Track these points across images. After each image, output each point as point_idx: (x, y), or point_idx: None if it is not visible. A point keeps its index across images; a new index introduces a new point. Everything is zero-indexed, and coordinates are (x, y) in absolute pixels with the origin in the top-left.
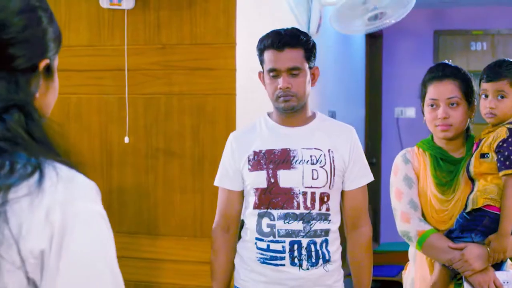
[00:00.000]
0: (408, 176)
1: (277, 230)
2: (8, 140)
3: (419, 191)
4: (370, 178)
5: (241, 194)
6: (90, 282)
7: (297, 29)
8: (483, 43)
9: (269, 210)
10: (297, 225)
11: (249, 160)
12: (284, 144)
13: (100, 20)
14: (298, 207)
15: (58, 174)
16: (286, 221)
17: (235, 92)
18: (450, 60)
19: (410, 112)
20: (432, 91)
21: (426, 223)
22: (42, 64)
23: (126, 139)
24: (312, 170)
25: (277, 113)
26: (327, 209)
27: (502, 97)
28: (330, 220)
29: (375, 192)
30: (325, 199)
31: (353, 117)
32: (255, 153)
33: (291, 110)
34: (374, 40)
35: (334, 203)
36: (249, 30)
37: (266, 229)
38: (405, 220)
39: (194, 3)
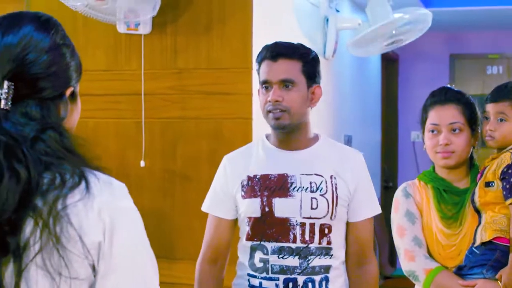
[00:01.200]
0: (410, 211)
1: (271, 265)
2: (51, 155)
3: (423, 227)
4: (377, 210)
5: (233, 223)
6: (135, 259)
7: (300, 44)
8: (499, 67)
9: (262, 243)
10: (293, 261)
11: (242, 186)
12: (281, 169)
13: (117, 45)
14: (295, 241)
15: (99, 180)
16: (280, 256)
17: (252, 117)
18: (453, 85)
19: None
20: (433, 115)
21: (433, 260)
22: (68, 91)
23: (142, 163)
24: (312, 198)
25: (274, 135)
26: (329, 243)
27: (502, 120)
28: (332, 255)
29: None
30: (326, 231)
31: (369, 141)
32: (249, 178)
33: (283, 130)
34: (390, 63)
35: (337, 236)
36: None
37: (259, 264)
38: (409, 258)
39: (211, 28)
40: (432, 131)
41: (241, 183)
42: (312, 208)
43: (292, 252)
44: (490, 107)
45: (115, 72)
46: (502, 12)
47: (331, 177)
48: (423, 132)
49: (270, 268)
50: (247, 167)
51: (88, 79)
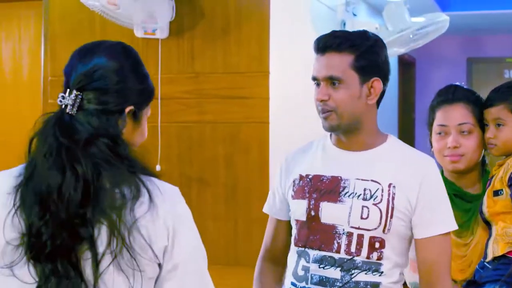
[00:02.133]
0: None
1: (311, 275)
2: (102, 159)
3: None
4: (450, 226)
5: (289, 226)
6: (192, 256)
7: (360, 32)
8: None
9: (306, 249)
10: (334, 273)
11: (294, 185)
12: (336, 171)
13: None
14: (338, 251)
15: (158, 188)
16: (321, 266)
17: (269, 121)
18: (463, 83)
19: None
20: (441, 116)
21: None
22: (127, 109)
23: (158, 167)
24: (363, 207)
25: (333, 134)
26: (379, 258)
27: (500, 125)
28: (382, 273)
29: None
30: (377, 245)
31: None
32: (301, 177)
33: (334, 131)
34: (407, 67)
35: (392, 252)
36: (282, 58)
37: (300, 272)
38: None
39: (228, 33)
40: (440, 133)
41: (293, 181)
42: (362, 218)
43: (334, 263)
44: (487, 113)
45: None
46: None
47: (389, 185)
48: (431, 134)
49: (309, 278)
50: (301, 165)
51: None
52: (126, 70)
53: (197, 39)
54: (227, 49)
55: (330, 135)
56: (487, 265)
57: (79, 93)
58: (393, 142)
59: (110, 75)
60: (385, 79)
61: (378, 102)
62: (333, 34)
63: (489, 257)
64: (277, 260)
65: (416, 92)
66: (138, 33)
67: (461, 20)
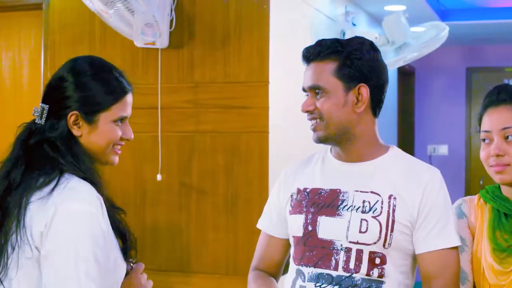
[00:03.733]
0: (460, 236)
1: None
2: (37, 158)
3: (471, 257)
4: (452, 241)
5: (286, 243)
6: (62, 248)
7: (351, 38)
8: None
9: (302, 267)
10: None
11: (292, 200)
12: (334, 183)
13: (134, 59)
14: (336, 268)
15: (67, 185)
16: (317, 284)
17: (268, 130)
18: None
19: (443, 150)
20: (486, 121)
21: None
22: (69, 115)
23: (159, 177)
24: (361, 220)
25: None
26: (380, 276)
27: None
28: None
29: None
30: (377, 261)
31: None
32: (298, 191)
33: (321, 142)
34: (406, 77)
35: (395, 269)
36: (282, 68)
37: None
38: None
39: (228, 42)
40: (484, 140)
41: (291, 196)
42: (360, 232)
43: (331, 281)
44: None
45: (132, 85)
46: None
47: (389, 196)
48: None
49: None
50: (300, 178)
51: None
52: (66, 80)
53: (197, 49)
54: (227, 59)
55: (331, 148)
56: None
57: (43, 104)
58: (396, 153)
59: (53, 86)
60: (376, 85)
61: (375, 111)
62: (318, 43)
63: None
64: (271, 272)
65: (415, 102)
66: (138, 43)
67: (460, 30)
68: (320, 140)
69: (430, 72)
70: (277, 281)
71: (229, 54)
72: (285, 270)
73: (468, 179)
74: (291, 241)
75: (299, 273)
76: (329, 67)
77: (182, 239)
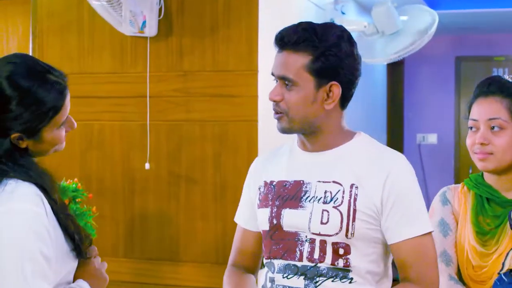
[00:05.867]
0: (445, 221)
1: (276, 286)
2: None
3: (455, 241)
4: (424, 228)
5: (261, 236)
6: (3, 252)
7: (327, 25)
8: (505, 69)
9: (271, 260)
10: (297, 282)
11: (259, 193)
12: (298, 175)
13: (123, 48)
14: (301, 259)
15: (4, 189)
16: (285, 275)
17: (257, 119)
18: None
19: (432, 139)
20: (474, 110)
21: (458, 283)
22: (13, 136)
23: (147, 165)
24: (323, 210)
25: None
26: (346, 265)
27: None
28: (351, 279)
29: None
30: (341, 251)
31: None
32: (265, 184)
33: (285, 133)
34: (395, 66)
35: (362, 259)
36: (271, 57)
37: (267, 285)
38: None
39: (216, 31)
40: (471, 128)
41: (259, 189)
42: (322, 223)
43: (297, 271)
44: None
45: (120, 74)
46: (507, 14)
47: (351, 186)
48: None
49: None
50: (267, 171)
51: (93, 82)
52: (7, 97)
53: (186, 37)
54: (215, 47)
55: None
56: (503, 277)
57: None
58: (360, 140)
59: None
60: (348, 81)
61: (344, 104)
62: (294, 29)
63: (505, 268)
64: (249, 266)
65: (404, 91)
66: (127, 31)
67: (449, 19)
68: (284, 131)
69: (419, 61)
70: (255, 274)
71: (218, 43)
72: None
73: (458, 167)
74: (262, 235)
75: (270, 265)
76: (302, 60)
77: (171, 228)
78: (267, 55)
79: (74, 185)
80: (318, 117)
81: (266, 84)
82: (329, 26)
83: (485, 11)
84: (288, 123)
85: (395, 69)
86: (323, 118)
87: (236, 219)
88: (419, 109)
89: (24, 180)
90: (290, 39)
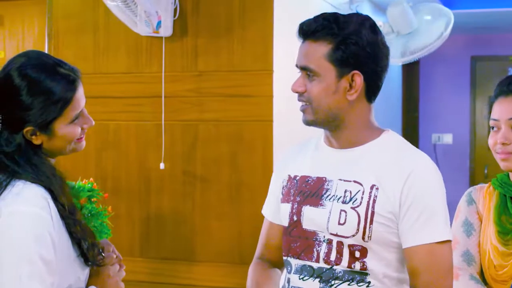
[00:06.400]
0: (469, 220)
1: (291, 287)
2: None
3: (479, 241)
4: (437, 236)
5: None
6: (1, 253)
7: (349, 15)
8: None
9: (288, 259)
10: (313, 284)
11: (283, 187)
12: (321, 171)
13: (138, 48)
14: (317, 260)
15: (11, 190)
16: (301, 277)
17: (272, 119)
18: None
19: (448, 138)
20: (495, 109)
21: (479, 283)
22: (26, 130)
23: (162, 165)
24: (341, 211)
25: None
26: (363, 268)
27: None
28: (369, 283)
29: None
30: (357, 254)
31: None
32: (289, 178)
33: (309, 125)
34: (410, 66)
35: (379, 262)
36: (286, 56)
37: (285, 284)
38: (454, 276)
39: (231, 31)
40: (492, 128)
41: (282, 183)
42: (339, 223)
43: (312, 273)
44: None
45: (136, 74)
46: None
47: (371, 186)
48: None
49: None
50: (292, 164)
51: (108, 82)
52: (19, 90)
53: (201, 37)
54: (230, 47)
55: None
56: None
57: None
58: (387, 138)
59: (4, 92)
60: (372, 72)
61: (371, 97)
62: (315, 18)
63: None
64: (275, 261)
65: (420, 91)
66: (142, 32)
67: (465, 18)
68: (308, 124)
69: (434, 60)
70: (281, 268)
71: (233, 43)
72: None
73: (473, 167)
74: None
75: (288, 264)
76: (322, 49)
77: (187, 228)
78: (282, 54)
79: (89, 185)
80: (341, 108)
81: (281, 84)
82: (352, 15)
83: (500, 10)
84: (313, 114)
85: (411, 69)
86: (347, 110)
87: (263, 211)
88: (434, 109)
89: (32, 182)
90: (310, 28)
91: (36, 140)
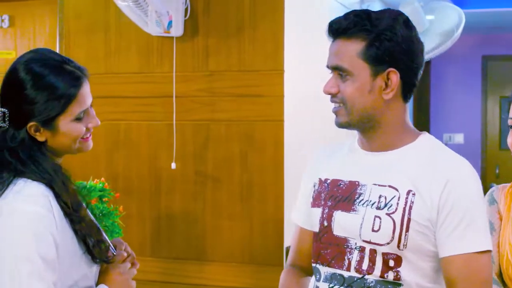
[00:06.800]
0: (490, 220)
1: None
2: (1, 164)
3: (498, 241)
4: (476, 246)
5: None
6: (1, 252)
7: (382, 11)
8: None
9: (317, 266)
10: None
11: (313, 191)
12: (355, 175)
13: (149, 48)
14: (348, 268)
15: (12, 189)
16: (331, 285)
17: (283, 119)
18: None
19: (459, 138)
20: None
21: (495, 282)
22: (29, 126)
23: (173, 165)
24: (375, 217)
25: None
26: (396, 278)
27: None
28: None
29: None
30: (391, 263)
31: None
32: (320, 181)
33: (343, 127)
34: None
35: (415, 273)
36: (297, 56)
37: None
38: None
39: (242, 31)
40: (511, 127)
41: (313, 186)
42: (373, 230)
43: (343, 282)
44: None
45: (147, 74)
46: None
47: (408, 192)
48: None
49: None
50: (323, 167)
51: (120, 82)
52: (24, 85)
53: (212, 37)
54: (241, 47)
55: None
56: None
57: (2, 109)
58: (424, 142)
59: (11, 89)
60: (408, 69)
61: (406, 95)
62: (345, 15)
63: None
64: (303, 268)
65: (431, 90)
66: (153, 31)
67: (476, 18)
68: (341, 126)
69: (446, 60)
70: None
71: (244, 43)
72: None
73: (484, 167)
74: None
75: (316, 271)
76: (355, 47)
77: (198, 228)
78: (293, 54)
79: (101, 185)
80: (377, 109)
81: (292, 83)
82: (384, 11)
83: None
84: (346, 116)
85: None
86: (383, 111)
87: (292, 216)
88: (446, 109)
89: (34, 179)
90: (340, 25)
91: (40, 137)
